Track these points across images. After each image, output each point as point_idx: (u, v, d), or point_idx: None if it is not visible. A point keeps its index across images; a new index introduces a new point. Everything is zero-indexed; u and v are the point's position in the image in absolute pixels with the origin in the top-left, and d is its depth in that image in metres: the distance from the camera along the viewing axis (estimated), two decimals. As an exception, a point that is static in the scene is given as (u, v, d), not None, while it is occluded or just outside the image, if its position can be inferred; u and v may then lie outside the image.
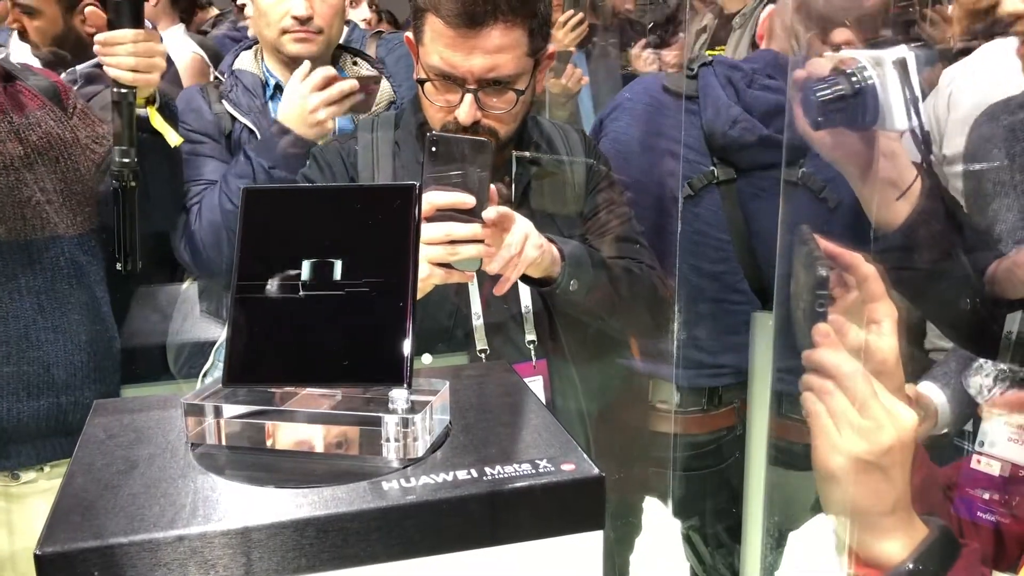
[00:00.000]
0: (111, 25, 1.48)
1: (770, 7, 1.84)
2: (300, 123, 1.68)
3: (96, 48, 1.50)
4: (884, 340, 0.88)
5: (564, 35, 2.61)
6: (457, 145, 1.18)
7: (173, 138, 1.57)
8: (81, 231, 1.59)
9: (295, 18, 1.77)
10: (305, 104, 1.67)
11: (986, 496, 1.12)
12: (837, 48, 1.12)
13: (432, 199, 1.18)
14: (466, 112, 1.37)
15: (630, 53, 2.71)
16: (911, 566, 0.81)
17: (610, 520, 0.69)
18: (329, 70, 1.70)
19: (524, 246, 1.26)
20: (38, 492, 1.58)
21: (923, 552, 0.82)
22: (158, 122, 1.55)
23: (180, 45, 2.73)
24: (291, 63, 1.83)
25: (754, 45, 2.04)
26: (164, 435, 0.76)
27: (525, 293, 1.48)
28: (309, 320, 0.74)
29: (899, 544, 0.83)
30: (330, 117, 1.69)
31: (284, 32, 1.80)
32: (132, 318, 1.75)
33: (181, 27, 2.95)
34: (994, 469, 1.16)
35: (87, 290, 1.60)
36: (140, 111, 1.54)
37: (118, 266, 1.58)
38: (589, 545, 0.68)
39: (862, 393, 0.80)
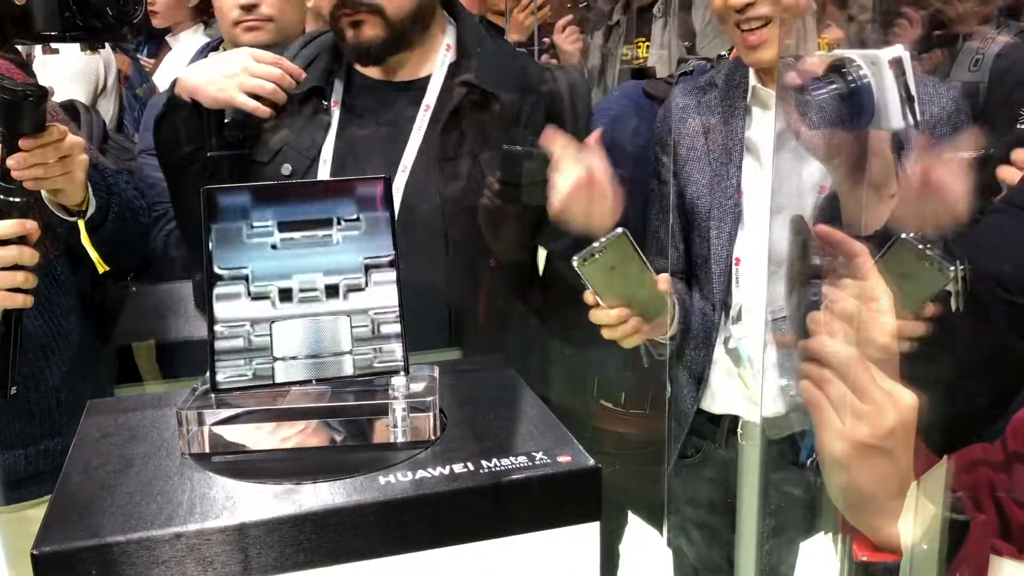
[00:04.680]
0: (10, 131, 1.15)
1: None
2: None
3: (10, 164, 1.16)
4: (884, 317, 0.87)
5: (525, 18, 2.62)
6: None
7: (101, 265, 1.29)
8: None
9: (240, 7, 1.74)
10: None
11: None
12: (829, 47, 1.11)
13: None
14: None
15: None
16: (926, 547, 0.81)
17: (604, 511, 0.69)
18: None
19: None
20: None
21: (935, 531, 0.82)
22: (86, 241, 1.28)
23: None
24: None
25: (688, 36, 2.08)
26: (159, 433, 0.76)
27: None
28: (292, 317, 0.74)
29: (910, 526, 0.83)
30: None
31: (236, 24, 1.77)
32: (125, 318, 1.74)
33: (200, 28, 2.92)
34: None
35: None
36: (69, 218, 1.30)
37: None
38: (586, 536, 0.69)
39: (861, 379, 0.80)
